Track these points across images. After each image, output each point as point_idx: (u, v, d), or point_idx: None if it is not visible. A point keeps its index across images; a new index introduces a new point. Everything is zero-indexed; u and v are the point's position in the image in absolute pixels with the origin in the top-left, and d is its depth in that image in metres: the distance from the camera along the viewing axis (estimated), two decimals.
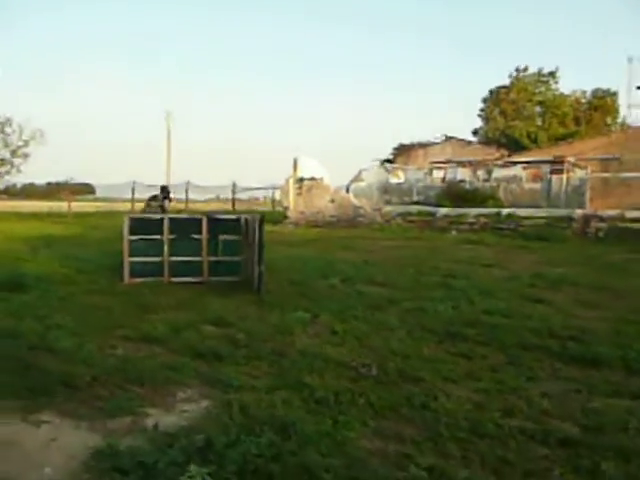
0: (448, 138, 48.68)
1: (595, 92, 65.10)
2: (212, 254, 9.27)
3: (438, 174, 33.16)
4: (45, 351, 4.90)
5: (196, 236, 9.24)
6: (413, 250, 14.79)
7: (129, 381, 4.20)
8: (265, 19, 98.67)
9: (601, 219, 19.70)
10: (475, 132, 62.89)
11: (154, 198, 15.13)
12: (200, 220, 9.26)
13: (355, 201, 25.89)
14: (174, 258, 9.11)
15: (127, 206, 36.51)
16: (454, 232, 21.26)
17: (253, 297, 7.53)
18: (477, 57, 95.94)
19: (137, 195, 36.91)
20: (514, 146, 45.01)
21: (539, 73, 65.26)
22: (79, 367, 4.45)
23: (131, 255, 8.96)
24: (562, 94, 65.59)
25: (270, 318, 6.27)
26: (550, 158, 28.84)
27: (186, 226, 9.29)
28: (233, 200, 39.57)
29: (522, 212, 21.90)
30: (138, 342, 5.35)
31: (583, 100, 65.83)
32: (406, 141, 51.45)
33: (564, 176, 27.24)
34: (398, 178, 34.17)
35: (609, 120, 66.58)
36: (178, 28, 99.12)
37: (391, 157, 49.92)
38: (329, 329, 5.87)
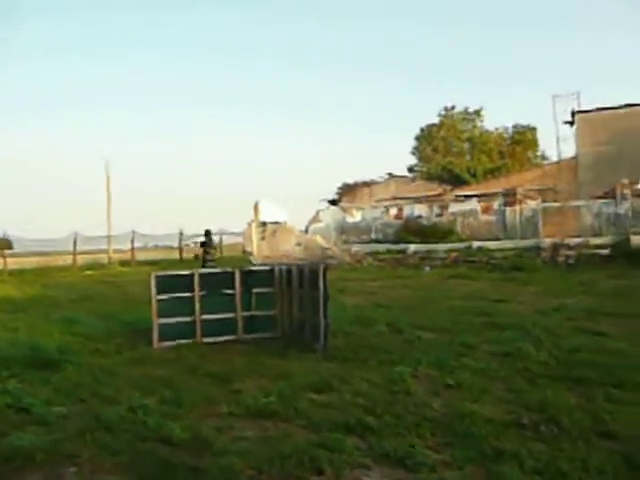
0: (391, 176, 49.92)
1: (515, 127, 69.26)
2: (245, 309, 8.60)
3: (392, 211, 33.66)
4: (161, 442, 4.14)
5: (228, 291, 8.55)
6: (409, 289, 14.61)
7: (302, 469, 3.56)
8: (210, 60, 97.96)
9: (569, 247, 20.48)
10: (410, 169, 65.07)
11: (206, 244, 15.16)
12: (232, 274, 8.59)
13: (322, 242, 25.62)
14: (206, 316, 8.36)
15: (67, 259, 34.41)
16: (427, 268, 21.35)
17: (317, 354, 6.94)
18: (407, 96, 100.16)
19: (80, 246, 34.93)
20: (455, 181, 46.70)
21: (465, 111, 68.86)
22: (224, 459, 3.75)
23: (159, 316, 8.13)
24: (487, 131, 69.42)
25: (369, 376, 5.73)
26: (502, 190, 30.01)
27: (217, 281, 8.58)
28: (180, 249, 38.30)
29: (491, 245, 22.45)
30: (252, 419, 4.67)
31: (505, 135, 69.83)
32: (350, 180, 52.21)
33: (517, 207, 28.34)
34: (354, 217, 34.38)
35: (530, 153, 70.86)
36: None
37: (337, 197, 50.41)
38: (441, 382, 5.43)
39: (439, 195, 40.48)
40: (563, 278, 16.01)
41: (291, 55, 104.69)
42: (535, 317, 9.26)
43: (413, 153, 68.81)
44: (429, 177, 48.34)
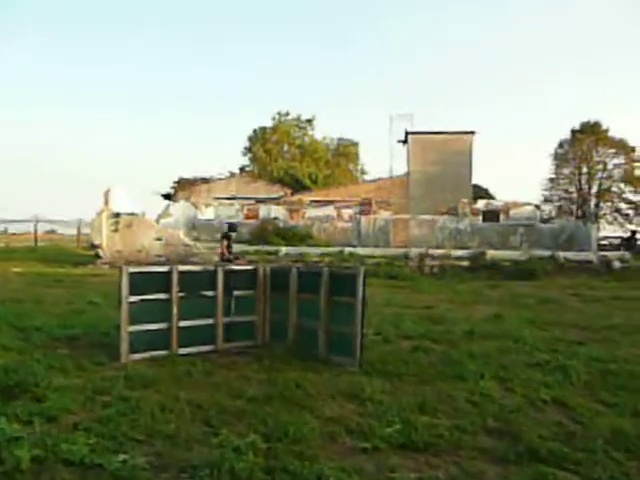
0: (232, 174, 48.82)
1: (341, 140, 73.22)
2: (225, 314, 7.31)
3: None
4: None
5: (208, 292, 7.18)
6: None
7: None
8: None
9: (433, 257, 21.95)
10: (242, 169, 64.62)
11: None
12: (214, 272, 7.22)
13: (186, 239, 23.76)
14: (183, 323, 6.90)
15: None
16: None
17: (352, 368, 6.11)
18: (243, 97, 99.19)
19: None
20: (296, 185, 47.43)
21: (298, 119, 70.69)
22: None
23: (131, 322, 6.47)
24: (316, 140, 72.19)
25: (454, 393, 5.14)
26: (360, 199, 31.17)
27: (197, 280, 7.14)
28: (35, 236, 32.96)
29: (361, 251, 23.05)
30: (394, 452, 3.80)
31: (331, 147, 73.45)
32: (187, 175, 49.77)
33: (372, 217, 29.72)
34: (203, 214, 32.72)
35: (351, 166, 75.54)
36: None
37: (172, 191, 47.63)
38: (535, 396, 5.11)
39: (280, 198, 40.74)
40: (447, 287, 16.94)
41: (128, 47, 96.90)
42: (498, 324, 9.44)
43: (244, 154, 68.60)
44: (272, 179, 48.29)
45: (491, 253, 21.76)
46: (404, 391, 5.27)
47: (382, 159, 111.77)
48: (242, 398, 4.98)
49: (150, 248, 23.12)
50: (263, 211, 31.10)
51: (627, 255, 21.38)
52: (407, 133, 45.23)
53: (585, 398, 5.18)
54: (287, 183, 47.87)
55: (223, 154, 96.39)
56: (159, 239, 23.38)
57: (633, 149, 61.68)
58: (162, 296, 6.76)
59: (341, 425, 4.33)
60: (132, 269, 6.60)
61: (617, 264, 20.45)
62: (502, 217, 29.39)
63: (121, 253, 23.08)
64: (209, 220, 31.48)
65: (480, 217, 29.37)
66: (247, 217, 32.67)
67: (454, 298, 14.36)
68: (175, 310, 6.79)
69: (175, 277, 6.80)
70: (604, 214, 60.79)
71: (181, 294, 6.88)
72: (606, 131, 62.48)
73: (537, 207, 30.61)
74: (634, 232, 24.89)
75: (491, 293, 15.48)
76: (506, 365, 6.32)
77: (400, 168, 47.17)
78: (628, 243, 23.34)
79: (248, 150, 67.68)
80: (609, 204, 64.41)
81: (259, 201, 39.01)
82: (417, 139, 45.29)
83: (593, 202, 63.25)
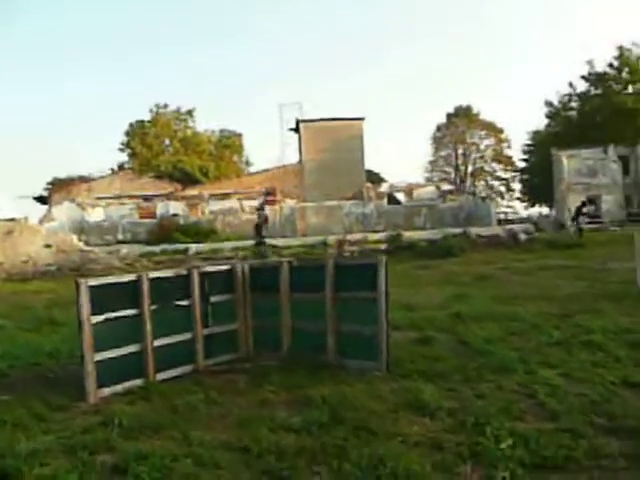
0: (114, 172, 45.14)
1: (223, 132, 71.23)
2: (204, 325, 6.09)
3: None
4: None
5: (183, 301, 5.91)
6: None
7: None
8: None
9: (351, 243, 21.60)
10: (121, 166, 60.49)
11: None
12: (188, 277, 5.94)
13: (81, 244, 21.23)
14: (159, 342, 5.59)
15: None
16: None
17: (379, 373, 5.25)
18: (120, 89, 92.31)
19: None
20: (187, 180, 45.00)
21: (178, 111, 67.50)
22: None
23: (97, 349, 5.07)
24: (198, 132, 69.62)
25: (510, 385, 4.48)
26: (263, 190, 30.07)
27: (169, 288, 5.82)
28: None
29: (277, 242, 22.09)
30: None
31: (213, 139, 71.28)
32: (61, 175, 45.22)
33: (277, 206, 28.79)
34: (90, 215, 29.76)
35: (236, 158, 73.95)
36: None
37: (45, 193, 43.03)
38: (596, 385, 4.62)
39: (170, 194, 38.49)
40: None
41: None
42: (470, 304, 9.07)
43: (122, 150, 64.28)
44: (159, 174, 45.39)
45: (407, 234, 21.85)
46: (463, 394, 4.53)
47: (269, 149, 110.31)
48: (286, 429, 3.93)
49: (37, 257, 20.32)
50: (161, 208, 28.91)
51: (530, 227, 22.55)
52: (298, 121, 44.66)
53: None
54: (176, 178, 45.26)
55: (99, 151, 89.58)
56: (48, 246, 20.63)
57: (501, 130, 66.68)
58: (131, 312, 5.40)
59: (441, 449, 3.47)
60: (92, 282, 5.16)
61: (523, 236, 21.47)
62: (405, 199, 29.90)
63: (1, 265, 20.07)
64: (99, 222, 28.64)
65: (385, 200, 29.61)
66: (142, 216, 30.26)
67: (393, 281, 13.94)
68: (149, 327, 5.46)
69: (145, 286, 5.46)
70: (480, 192, 64.78)
71: (153, 307, 5.56)
72: (477, 114, 66.87)
73: (437, 187, 31.58)
74: (583, 204, 25.84)
75: (424, 273, 15.33)
76: (533, 349, 5.82)
77: (292, 157, 46.58)
78: (576, 214, 24.31)
79: (126, 145, 63.45)
80: (483, 182, 69.16)
81: (146, 198, 36.44)
82: (308, 127, 44.88)
83: (469, 181, 67.41)
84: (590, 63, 46.64)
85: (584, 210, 24.80)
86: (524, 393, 4.44)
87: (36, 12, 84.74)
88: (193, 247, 21.72)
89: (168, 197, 34.67)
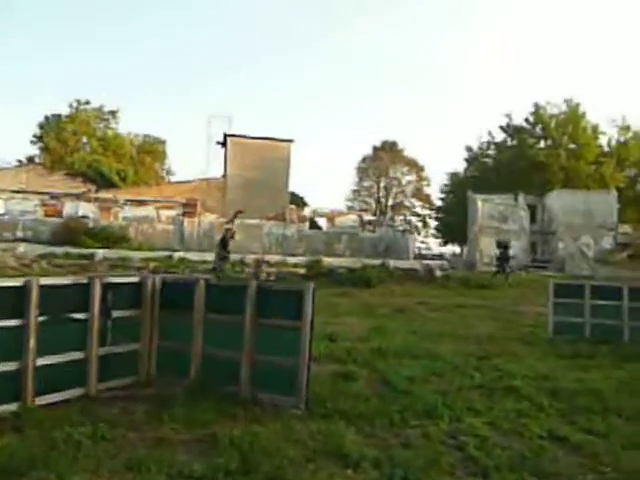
0: (21, 164, 41.93)
1: (148, 137, 68.90)
2: (100, 343, 5.34)
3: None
4: None
5: (78, 315, 5.14)
6: None
7: None
8: None
9: (270, 264, 21.07)
10: (30, 159, 56.74)
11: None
12: (87, 286, 5.19)
13: None
14: (43, 360, 4.79)
15: None
16: None
17: (296, 410, 4.76)
18: (39, 77, 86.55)
19: None
20: (102, 181, 42.68)
21: (100, 109, 64.57)
22: None
23: None
24: (121, 134, 66.86)
25: (449, 438, 4.16)
26: (183, 201, 28.91)
27: (63, 298, 5.04)
28: None
29: (193, 256, 21.13)
30: None
31: (136, 142, 68.77)
32: None
33: (196, 219, 27.75)
34: None
35: (157, 165, 71.69)
36: None
37: None
38: (523, 437, 4.41)
39: (83, 194, 36.32)
40: None
41: None
42: (389, 338, 8.83)
43: (34, 142, 60.32)
44: (73, 173, 42.75)
45: (327, 260, 21.64)
46: (388, 442, 4.14)
47: (193, 161, 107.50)
48: (186, 477, 3.34)
49: None
50: (69, 208, 26.97)
51: (445, 265, 23.09)
52: (226, 135, 43.87)
53: (573, 426, 4.63)
54: (91, 178, 42.81)
55: (5, 139, 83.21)
56: None
57: (422, 168, 69.24)
58: (12, 323, 4.59)
59: None
60: None
61: (439, 272, 21.89)
62: (327, 225, 29.86)
63: None
64: None
65: (307, 224, 29.40)
66: (47, 214, 28.07)
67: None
68: (32, 342, 4.66)
69: (35, 294, 4.67)
70: (398, 226, 66.45)
71: (41, 318, 4.77)
72: (402, 150, 69.07)
73: (359, 216, 31.84)
74: (506, 247, 26.72)
75: (343, 302, 15.10)
76: (456, 392, 5.57)
77: (216, 171, 45.53)
78: (502, 259, 25.12)
79: (39, 139, 59.55)
80: (402, 216, 71.19)
81: (55, 196, 34.05)
82: (236, 142, 44.21)
83: (389, 214, 69.18)
84: (509, 116, 49.70)
85: (510, 254, 25.92)
86: (452, 444, 4.12)
87: None
88: (100, 253, 20.27)
89: (79, 197, 32.56)
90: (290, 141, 43.94)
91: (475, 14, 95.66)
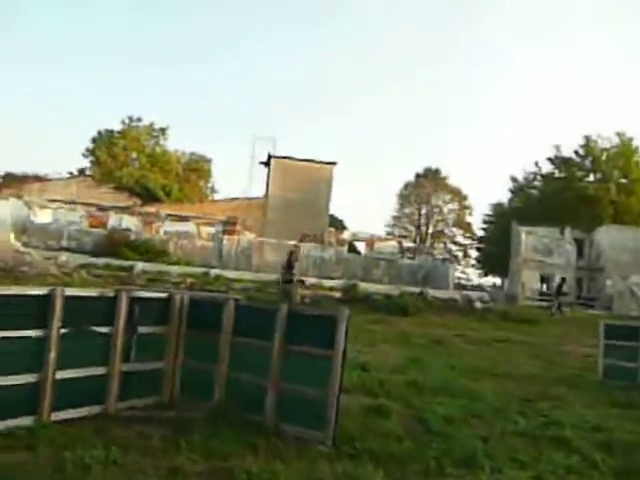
0: (72, 176, 43.35)
1: (194, 155, 70.33)
2: (124, 359, 5.15)
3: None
4: None
5: (102, 328, 4.97)
6: None
7: None
8: None
9: (305, 286, 20.79)
10: (81, 172, 58.64)
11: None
12: (114, 299, 5.03)
13: (18, 244, 19.69)
14: (63, 374, 4.62)
15: None
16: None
17: (323, 448, 4.41)
18: (87, 93, 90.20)
19: None
20: (147, 196, 43.62)
21: (151, 126, 66.40)
22: None
23: None
24: (168, 151, 68.53)
25: None
26: (224, 218, 29.12)
27: (88, 310, 4.89)
28: None
29: (230, 274, 21.09)
30: None
31: (183, 160, 70.30)
32: (15, 170, 43.05)
33: (235, 237, 27.84)
34: (37, 216, 28.07)
35: (202, 183, 73.01)
36: None
37: None
38: None
39: (128, 207, 37.09)
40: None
41: None
42: (427, 371, 8.39)
43: (86, 156, 62.39)
44: (119, 186, 43.87)
45: (363, 285, 21.24)
46: None
47: (235, 180, 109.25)
48: None
49: None
50: (113, 220, 27.51)
51: (485, 296, 22.34)
52: (270, 156, 44.29)
53: None
54: (137, 193, 43.81)
55: (59, 151, 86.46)
56: None
57: (466, 197, 68.17)
58: (33, 333, 4.44)
59: None
60: None
61: (479, 304, 21.17)
62: (366, 249, 29.49)
63: None
64: (45, 224, 26.97)
65: (345, 248, 29.10)
66: (91, 225, 28.74)
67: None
68: (53, 354, 4.50)
69: (58, 305, 4.53)
70: (438, 254, 65.36)
71: (64, 330, 4.61)
72: (445, 178, 68.30)
73: (399, 243, 31.36)
74: (563, 279, 26.44)
75: (379, 329, 14.68)
76: (498, 439, 5.11)
77: (258, 191, 45.91)
78: (557, 293, 24.96)
79: (90, 152, 61.59)
80: (442, 245, 69.98)
81: (103, 209, 34.88)
82: (279, 163, 44.56)
83: (429, 242, 68.10)
84: (557, 147, 48.50)
85: (564, 289, 25.43)
86: None
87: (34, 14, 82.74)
88: (139, 265, 20.46)
89: (124, 210, 33.27)
90: (333, 164, 43.99)
91: (528, 41, 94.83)
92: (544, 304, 31.13)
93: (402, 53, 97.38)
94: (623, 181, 45.45)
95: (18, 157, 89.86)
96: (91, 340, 4.87)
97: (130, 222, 27.62)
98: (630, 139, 46.06)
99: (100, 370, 4.93)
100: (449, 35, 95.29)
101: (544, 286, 37.82)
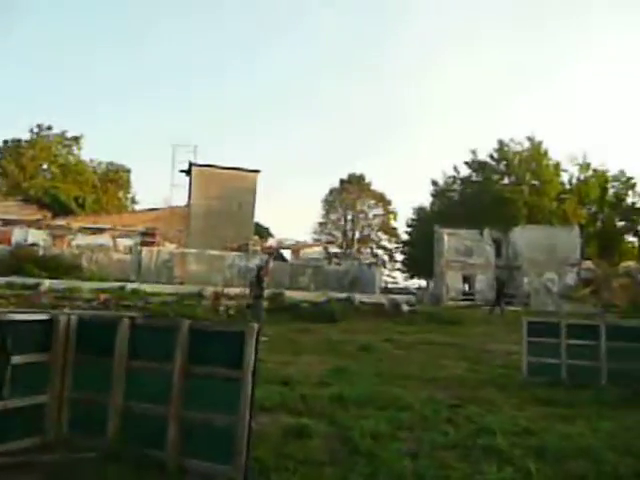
0: None
1: (112, 165, 67.53)
2: None
3: None
4: None
5: None
6: None
7: None
8: None
9: (229, 297, 20.01)
10: None
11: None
12: None
13: None
14: None
15: None
16: (67, 310, 17.17)
17: None
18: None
19: None
20: (59, 208, 41.03)
21: (63, 135, 63.15)
22: None
23: None
24: (83, 161, 65.45)
25: None
26: (143, 229, 27.69)
27: None
28: None
29: (148, 287, 19.91)
30: None
31: (99, 170, 67.38)
32: None
33: (155, 249, 26.54)
34: None
35: (121, 194, 70.22)
36: None
37: None
38: None
39: (37, 221, 34.73)
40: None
41: None
42: (353, 381, 7.98)
43: None
44: (27, 199, 41.04)
45: (290, 294, 20.73)
46: None
47: (157, 190, 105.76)
48: None
49: None
50: (18, 235, 25.42)
51: (412, 299, 22.44)
52: (191, 164, 43.05)
53: None
54: (46, 205, 41.15)
55: None
56: None
57: (390, 202, 69.48)
58: None
59: None
60: None
61: (405, 307, 21.21)
62: (292, 256, 29.00)
63: None
64: None
65: (271, 256, 28.44)
66: None
67: (270, 345, 12.65)
68: None
69: None
70: (364, 259, 66.03)
71: None
72: (369, 184, 69.31)
73: (325, 248, 31.10)
74: (502, 284, 26.76)
75: (304, 339, 14.21)
76: (427, 454, 4.71)
77: (180, 200, 44.42)
78: (497, 297, 25.20)
79: None
80: (368, 250, 70.83)
81: (8, 222, 32.38)
82: (201, 171, 43.41)
83: (355, 247, 68.66)
84: (474, 151, 50.39)
85: (505, 290, 26.11)
86: None
87: None
88: (47, 283, 18.90)
89: (31, 225, 30.96)
90: (257, 171, 43.34)
91: (446, 50, 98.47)
92: (468, 303, 32.01)
93: (327, 55, 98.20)
94: (535, 183, 47.81)
95: None
96: None
97: (38, 236, 25.66)
98: (539, 143, 48.60)
99: None
100: (372, 37, 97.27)
101: (466, 286, 38.94)
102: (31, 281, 19.21)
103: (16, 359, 4.43)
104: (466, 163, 51.07)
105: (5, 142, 59.20)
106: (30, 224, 29.92)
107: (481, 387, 8.31)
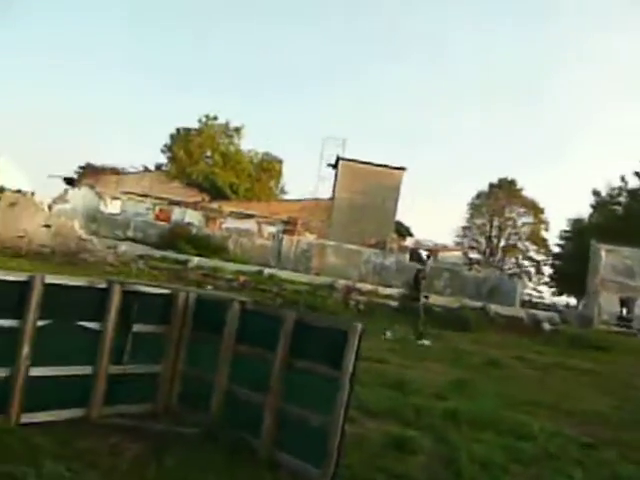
0: (147, 170, 44.79)
1: (267, 155, 70.94)
2: (115, 360, 4.62)
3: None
4: None
5: (89, 323, 4.46)
6: None
7: None
8: None
9: (360, 292, 19.99)
10: (158, 167, 60.50)
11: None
12: (105, 291, 4.52)
13: (82, 232, 20.15)
14: (38, 370, 4.14)
15: None
16: (209, 287, 18.35)
17: None
18: (169, 93, 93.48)
19: None
20: (215, 193, 44.27)
21: (226, 125, 67.64)
22: None
23: None
24: (242, 150, 69.51)
25: None
26: (285, 218, 28.85)
27: (74, 302, 4.40)
28: None
29: (284, 274, 20.63)
30: None
31: (255, 160, 71.04)
32: (95, 161, 44.92)
33: (295, 238, 27.45)
34: (107, 206, 28.90)
35: (272, 183, 73.50)
36: None
37: (75, 177, 42.71)
38: None
39: (196, 203, 37.67)
40: (378, 328, 14.89)
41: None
42: (471, 397, 7.45)
43: (164, 152, 64.41)
44: (190, 182, 44.78)
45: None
46: None
47: (304, 180, 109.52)
48: None
49: (34, 235, 19.31)
50: (177, 214, 27.88)
51: (556, 317, 20.63)
52: (338, 158, 43.70)
53: None
54: (205, 189, 44.59)
55: (138, 146, 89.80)
56: (47, 226, 19.62)
57: (542, 211, 64.66)
58: (7, 323, 3.98)
59: None
60: None
61: (547, 326, 19.54)
62: (427, 258, 28.25)
63: None
64: (113, 214, 27.73)
65: (407, 256, 27.99)
66: (157, 218, 29.32)
67: (394, 346, 12.38)
68: (27, 349, 4.01)
69: (36, 293, 4.04)
70: (508, 269, 62.46)
71: (42, 322, 4.12)
72: (520, 190, 65.12)
73: (465, 254, 29.88)
74: None
75: (432, 344, 13.68)
76: None
77: (325, 192, 45.41)
78: None
79: (168, 149, 63.56)
80: (513, 259, 66.70)
81: (173, 203, 35.60)
82: (348, 166, 43.86)
83: (499, 255, 65.07)
84: None
85: None
86: None
87: None
88: (195, 260, 20.42)
89: (189, 206, 33.80)
90: (402, 169, 42.80)
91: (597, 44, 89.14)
92: (622, 329, 28.71)
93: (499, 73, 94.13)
94: None
95: (101, 149, 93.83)
96: (75, 336, 4.37)
97: (194, 217, 27.88)
98: None
99: (85, 370, 4.42)
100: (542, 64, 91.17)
101: (623, 310, 34.95)
102: (182, 257, 20.88)
103: (137, 327, 4.69)
104: (636, 174, 45.70)
105: (177, 130, 65.09)
106: (189, 205, 32.66)
107: (624, 428, 7.25)
